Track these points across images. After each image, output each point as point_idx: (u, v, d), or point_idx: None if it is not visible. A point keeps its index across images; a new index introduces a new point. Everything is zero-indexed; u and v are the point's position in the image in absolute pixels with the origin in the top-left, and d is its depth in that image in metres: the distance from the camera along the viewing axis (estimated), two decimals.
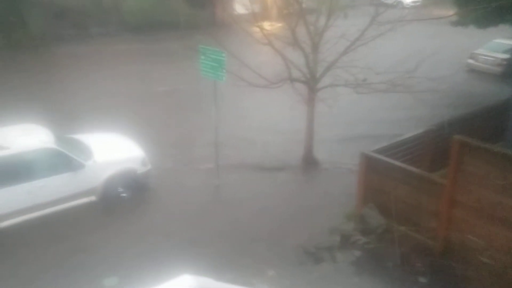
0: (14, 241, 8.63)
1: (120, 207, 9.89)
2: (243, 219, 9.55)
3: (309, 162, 12.00)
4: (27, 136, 9.45)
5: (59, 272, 7.75)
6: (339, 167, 11.85)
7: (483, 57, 20.32)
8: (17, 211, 8.88)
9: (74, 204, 9.54)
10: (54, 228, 8.99)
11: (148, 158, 10.61)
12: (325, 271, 7.83)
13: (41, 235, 8.80)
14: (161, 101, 16.38)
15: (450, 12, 15.29)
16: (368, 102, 14.28)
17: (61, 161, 9.29)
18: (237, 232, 9.10)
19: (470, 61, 20.73)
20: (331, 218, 9.19)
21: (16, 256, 8.27)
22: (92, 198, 9.77)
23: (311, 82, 11.29)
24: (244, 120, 14.52)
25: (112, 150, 10.42)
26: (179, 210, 9.87)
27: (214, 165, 10.89)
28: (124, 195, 10.14)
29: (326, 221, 9.12)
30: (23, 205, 8.90)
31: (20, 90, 16.46)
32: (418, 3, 36.08)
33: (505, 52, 19.94)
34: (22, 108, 12.85)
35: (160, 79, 18.60)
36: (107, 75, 18.82)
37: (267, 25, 13.08)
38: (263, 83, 10.75)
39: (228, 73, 9.94)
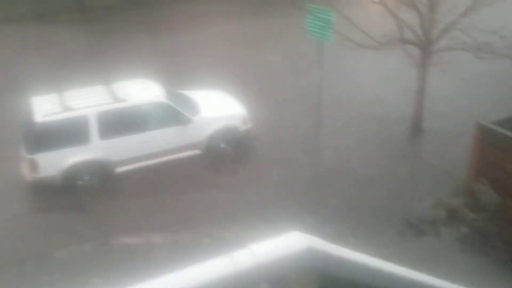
0: (128, 185, 9.50)
1: (222, 162, 10.31)
2: (345, 186, 9.45)
3: (417, 131, 11.35)
4: (142, 90, 10.14)
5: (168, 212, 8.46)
6: (449, 137, 11.05)
7: None
8: (132, 159, 9.69)
9: (181, 156, 10.13)
10: (164, 177, 9.71)
11: (249, 116, 10.81)
12: (427, 244, 7.50)
13: (152, 181, 9.57)
14: (267, 61, 16.43)
15: None
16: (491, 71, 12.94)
17: (171, 115, 9.86)
18: (340, 199, 9.06)
19: None
20: (437, 191, 8.70)
21: (129, 196, 9.12)
22: (197, 151, 10.29)
23: (425, 45, 10.50)
24: (350, 83, 14.06)
25: (217, 107, 10.81)
26: (276, 170, 10.03)
27: (315, 128, 10.78)
28: (226, 150, 10.52)
29: (431, 194, 8.66)
30: (137, 153, 9.68)
31: (134, 47, 17.55)
32: None
33: None
34: (136, 64, 13.72)
35: (266, 39, 18.60)
36: (215, 32, 19.26)
37: None
38: (373, 44, 10.23)
39: (336, 34, 9.62)
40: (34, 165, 8.82)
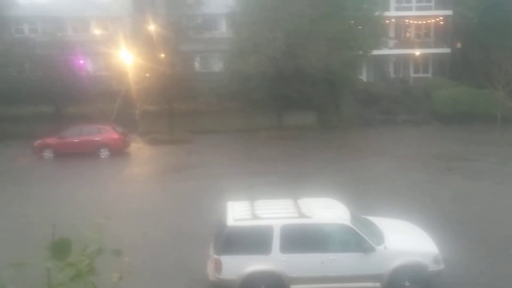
0: None
1: None
2: None
3: None
4: (327, 209, 10.15)
5: None
6: None
7: None
8: (307, 278, 9.46)
9: (359, 286, 9.50)
10: None
11: (442, 256, 9.72)
12: None
13: None
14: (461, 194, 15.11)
15: None
16: None
17: (354, 240, 9.50)
18: None
19: None
20: None
21: None
22: (377, 285, 9.53)
23: None
24: None
25: (405, 239, 10.06)
26: None
27: None
28: None
29: None
30: (313, 273, 9.43)
31: (322, 165, 18.17)
32: None
33: None
34: (323, 182, 14.04)
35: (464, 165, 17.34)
36: (405, 155, 18.82)
37: None
38: None
39: None
40: (218, 266, 9.29)
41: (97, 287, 1.45)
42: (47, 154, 21.52)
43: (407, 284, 9.49)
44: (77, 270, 1.32)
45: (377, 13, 27.85)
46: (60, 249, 1.26)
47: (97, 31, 33.54)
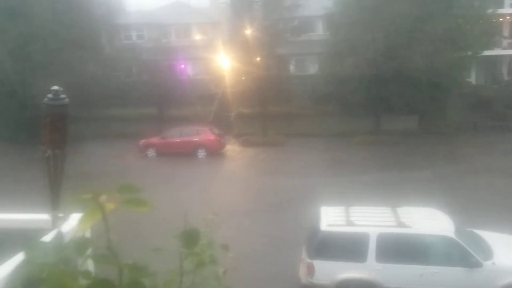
0: None
1: None
2: None
3: None
4: (429, 220, 9.55)
5: None
6: None
7: None
8: None
9: None
10: None
11: None
12: None
13: None
14: None
15: None
16: None
17: (458, 254, 8.82)
18: None
19: None
20: None
21: None
22: None
23: None
24: None
25: None
26: None
27: None
28: None
29: None
30: (412, 285, 8.91)
31: (423, 174, 17.16)
32: None
33: None
34: (424, 190, 13.24)
35: None
36: None
37: None
38: None
39: None
40: (311, 270, 9.16)
41: (220, 278, 1.51)
42: (151, 153, 22.95)
43: None
44: (199, 259, 1.35)
45: (489, 11, 25.79)
46: (190, 238, 1.30)
47: (197, 37, 35.13)
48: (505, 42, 30.97)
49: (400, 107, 23.65)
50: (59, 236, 1.08)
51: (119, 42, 30.81)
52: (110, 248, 1.07)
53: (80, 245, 1.05)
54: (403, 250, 9.02)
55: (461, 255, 8.80)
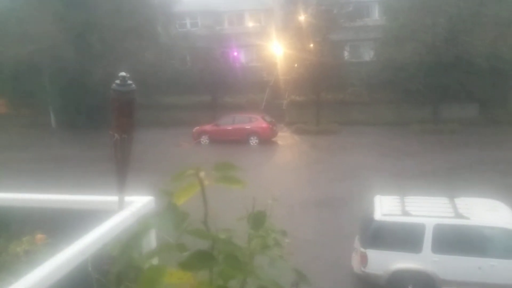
0: None
1: None
2: None
3: None
4: (489, 212, 9.22)
5: None
6: None
7: None
8: (462, 283, 8.73)
9: None
10: None
11: None
12: None
13: None
14: None
15: None
16: None
17: None
18: None
19: None
20: None
21: None
22: None
23: None
24: None
25: None
26: None
27: None
28: None
29: None
30: (469, 278, 8.67)
31: (481, 161, 16.44)
32: None
33: None
34: (485, 181, 12.73)
35: None
36: None
37: None
38: None
39: None
40: (364, 259, 9.11)
41: (287, 261, 1.54)
42: (204, 140, 23.44)
43: None
44: (264, 242, 1.41)
45: None
46: (257, 220, 1.37)
47: (250, 24, 35.21)
48: None
49: (460, 95, 22.68)
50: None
51: (174, 30, 31.44)
52: (205, 223, 1.15)
53: (177, 218, 1.13)
54: (460, 241, 8.78)
55: None
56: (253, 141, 22.78)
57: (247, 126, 23.00)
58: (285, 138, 24.14)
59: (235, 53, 29.86)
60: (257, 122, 23.07)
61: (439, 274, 8.76)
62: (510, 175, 14.99)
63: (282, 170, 18.74)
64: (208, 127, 23.76)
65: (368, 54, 28.80)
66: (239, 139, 22.63)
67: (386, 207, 9.48)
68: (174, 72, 27.67)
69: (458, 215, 9.01)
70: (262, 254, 1.36)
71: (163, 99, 27.74)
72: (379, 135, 22.46)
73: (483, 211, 9.25)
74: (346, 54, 29.02)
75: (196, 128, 23.91)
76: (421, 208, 9.37)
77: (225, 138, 22.90)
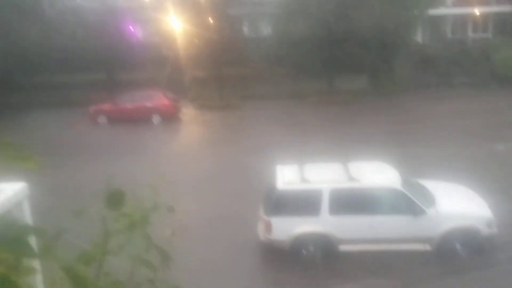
0: (350, 266, 9.34)
1: (454, 265, 9.20)
2: None
3: None
4: (376, 174, 10.08)
5: None
6: None
7: None
8: (356, 239, 9.56)
9: (407, 247, 9.49)
10: (386, 265, 9.22)
11: (495, 220, 9.49)
12: None
13: (373, 267, 9.18)
14: None
15: None
16: None
17: (404, 203, 9.43)
18: None
19: None
20: None
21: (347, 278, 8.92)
22: (427, 247, 9.48)
23: None
24: None
25: (457, 203, 9.88)
26: None
27: None
28: (462, 254, 9.39)
29: None
30: (362, 235, 9.51)
31: (372, 130, 17.83)
32: None
33: None
34: (374, 146, 13.84)
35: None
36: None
37: None
38: None
39: None
40: (268, 227, 9.54)
41: (152, 238, 1.52)
42: (102, 120, 22.37)
43: (458, 247, 9.39)
44: (131, 220, 1.39)
45: None
46: (115, 199, 1.31)
47: None
48: (449, 1, 31.85)
49: (350, 67, 24.15)
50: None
51: (62, 4, 29.20)
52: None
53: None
54: (354, 203, 9.53)
55: (406, 204, 9.40)
56: (156, 119, 22.28)
57: (148, 104, 22.38)
58: (189, 115, 23.95)
59: (131, 28, 28.64)
60: (159, 99, 22.53)
61: (336, 234, 9.49)
62: (396, 139, 16.41)
63: (187, 147, 18.68)
64: (106, 106, 22.64)
65: (266, 30, 29.33)
66: (140, 118, 21.98)
67: (286, 176, 9.95)
68: (63, 49, 25.77)
69: (351, 179, 9.75)
70: (128, 233, 1.34)
71: (54, 78, 25.83)
72: (280, 108, 23.23)
73: (372, 173, 10.07)
74: (245, 29, 29.26)
75: (92, 108, 22.68)
76: (319, 175, 9.98)
77: (125, 118, 22.07)
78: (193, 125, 22.62)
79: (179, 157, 16.90)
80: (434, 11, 28.60)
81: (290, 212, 9.59)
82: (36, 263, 1.20)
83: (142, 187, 1.72)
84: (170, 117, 22.42)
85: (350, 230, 9.50)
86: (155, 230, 2.58)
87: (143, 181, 1.89)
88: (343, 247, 9.60)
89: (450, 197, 9.97)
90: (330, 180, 9.72)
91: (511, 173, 13.28)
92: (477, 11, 31.34)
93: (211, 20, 24.25)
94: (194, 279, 8.59)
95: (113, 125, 21.86)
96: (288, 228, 9.53)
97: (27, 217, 3.04)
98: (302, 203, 9.56)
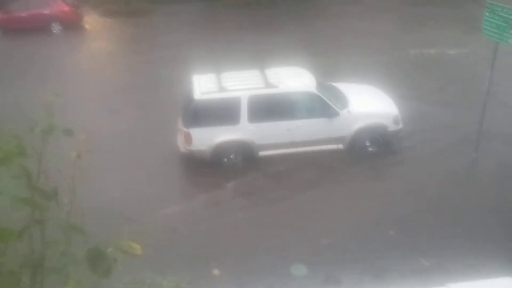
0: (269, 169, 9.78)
1: (364, 160, 9.97)
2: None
3: None
4: (293, 78, 10.23)
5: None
6: None
7: None
8: (275, 144, 9.88)
9: (323, 148, 10.03)
10: (305, 166, 9.78)
11: (401, 117, 10.22)
12: None
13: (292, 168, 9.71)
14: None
15: None
16: None
17: (319, 106, 9.79)
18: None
19: None
20: None
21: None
22: (340, 146, 10.09)
23: None
24: None
25: (367, 103, 10.42)
26: (423, 177, 9.37)
27: (476, 133, 9.77)
28: (370, 149, 10.14)
29: None
30: (281, 140, 9.84)
31: (288, 35, 17.65)
32: None
33: None
34: (290, 51, 13.85)
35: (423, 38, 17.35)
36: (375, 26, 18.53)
37: None
38: None
39: None
40: (188, 138, 9.51)
41: (28, 169, 1.38)
42: None
43: (367, 144, 10.11)
44: (4, 152, 1.22)
45: None
46: None
47: None
48: None
49: None
50: None
51: None
52: None
53: None
54: (271, 109, 9.70)
55: (321, 107, 9.77)
56: (56, 27, 20.29)
57: (46, 11, 20.18)
58: (93, 22, 22.03)
59: None
60: (57, 5, 20.35)
61: (255, 141, 9.73)
62: (315, 44, 16.50)
63: (93, 59, 17.44)
64: None
65: None
66: (38, 27, 19.84)
67: (204, 85, 9.77)
68: None
69: (268, 85, 9.81)
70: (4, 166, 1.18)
71: None
72: (194, 13, 22.04)
73: (289, 78, 10.19)
74: None
75: None
76: (236, 83, 9.90)
77: (21, 27, 19.81)
78: (98, 34, 20.94)
79: (84, 70, 15.77)
80: None
81: (209, 122, 9.57)
82: None
83: (37, 108, 1.54)
84: (72, 25, 20.49)
85: (269, 136, 9.76)
86: (60, 154, 2.42)
87: (39, 100, 1.67)
88: (263, 153, 9.91)
89: (361, 98, 10.46)
90: (248, 88, 9.71)
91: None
92: None
93: None
94: (116, 193, 8.57)
95: (8, 35, 19.64)
96: (208, 137, 9.58)
97: None
98: (221, 112, 9.56)
